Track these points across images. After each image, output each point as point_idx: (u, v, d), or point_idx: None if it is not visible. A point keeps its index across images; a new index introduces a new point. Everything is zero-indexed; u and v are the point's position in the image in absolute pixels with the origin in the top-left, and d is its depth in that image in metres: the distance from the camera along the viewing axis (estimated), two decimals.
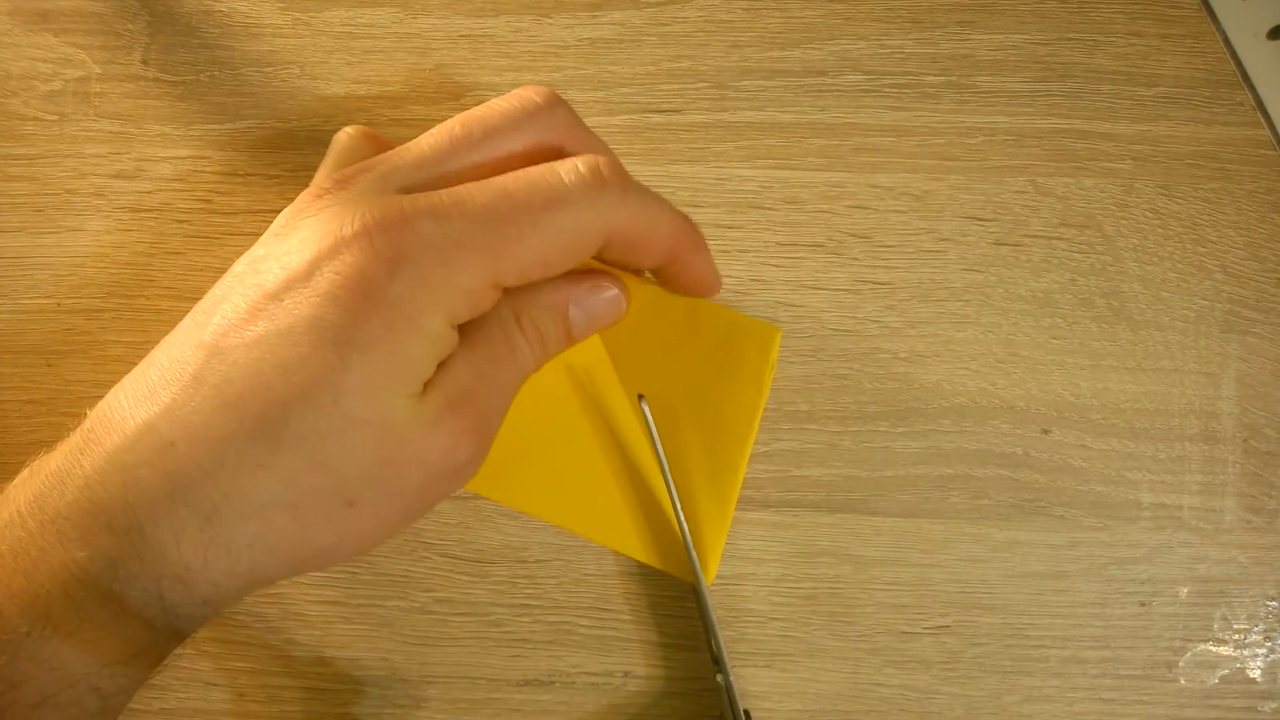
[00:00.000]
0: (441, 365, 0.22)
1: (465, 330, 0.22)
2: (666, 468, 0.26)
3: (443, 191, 0.21)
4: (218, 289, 0.22)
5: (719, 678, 0.25)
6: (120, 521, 0.19)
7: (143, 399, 0.20)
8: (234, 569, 0.20)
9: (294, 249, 0.20)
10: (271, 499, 0.20)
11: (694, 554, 0.26)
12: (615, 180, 0.21)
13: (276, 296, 0.20)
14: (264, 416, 0.19)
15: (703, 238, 0.24)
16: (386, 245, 0.20)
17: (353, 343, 0.19)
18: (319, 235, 0.20)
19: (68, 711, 0.20)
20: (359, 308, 0.19)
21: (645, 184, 0.29)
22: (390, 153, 0.22)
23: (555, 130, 0.23)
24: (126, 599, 0.20)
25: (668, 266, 0.24)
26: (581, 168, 0.21)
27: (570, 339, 0.25)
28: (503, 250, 0.20)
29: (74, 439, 0.21)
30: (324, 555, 0.22)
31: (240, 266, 0.22)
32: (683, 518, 0.26)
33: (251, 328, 0.20)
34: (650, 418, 0.26)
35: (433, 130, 0.22)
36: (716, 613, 0.27)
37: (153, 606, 0.20)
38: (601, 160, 0.21)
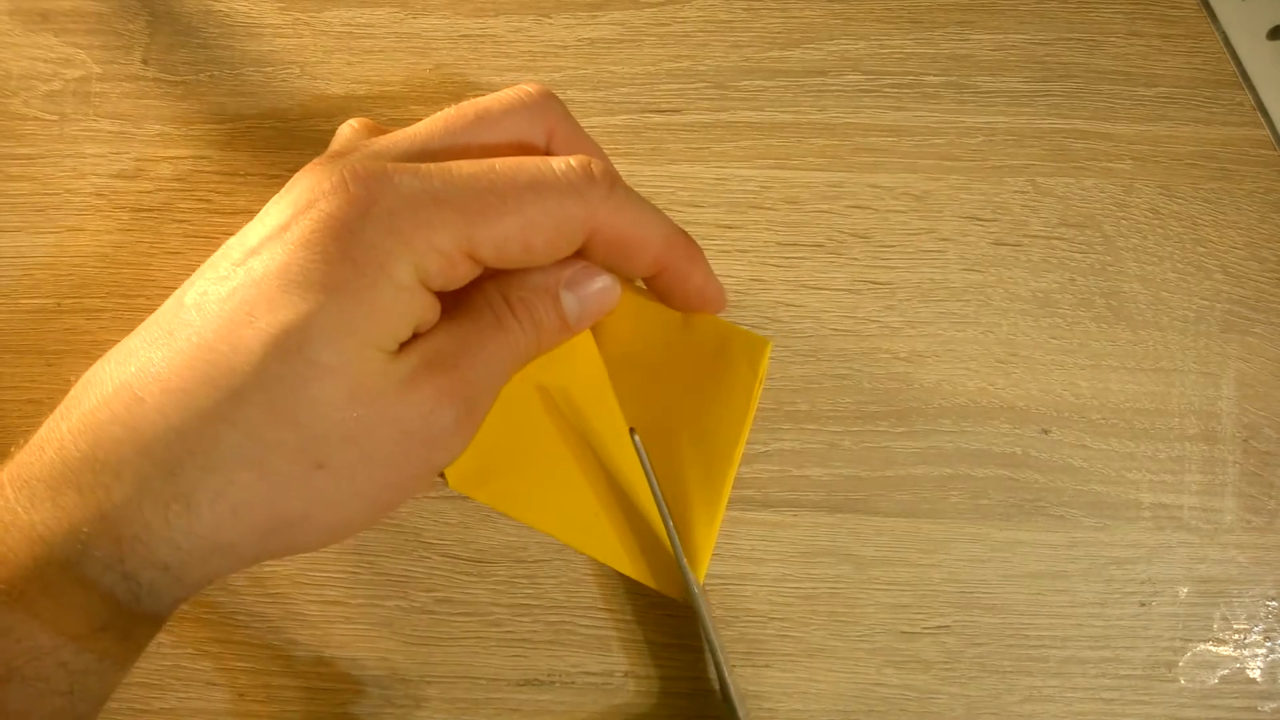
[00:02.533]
0: (422, 335, 0.22)
1: (451, 305, 0.22)
2: (660, 497, 0.26)
3: (430, 163, 0.21)
4: (208, 260, 0.22)
5: (723, 699, 0.25)
6: (87, 479, 0.19)
7: (122, 362, 0.20)
8: (194, 530, 0.20)
9: (277, 210, 0.21)
10: (235, 454, 0.19)
11: (690, 575, 0.25)
12: (604, 179, 0.21)
13: (256, 252, 0.20)
14: (230, 367, 0.19)
15: (700, 251, 0.24)
16: (361, 191, 0.20)
17: (320, 285, 0.19)
18: (302, 193, 0.20)
19: (35, 686, 0.19)
20: (328, 250, 0.19)
21: (647, 184, 0.30)
22: (387, 134, 0.22)
23: (546, 119, 0.23)
24: (86, 563, 0.19)
25: (660, 276, 0.24)
26: (572, 162, 0.21)
27: (566, 326, 0.24)
28: (480, 217, 0.20)
29: (59, 408, 0.21)
30: (296, 527, 0.21)
31: (231, 240, 0.22)
32: (677, 542, 0.25)
33: (229, 282, 0.20)
34: (643, 451, 0.26)
35: (429, 116, 0.23)
36: (715, 625, 0.27)
37: (113, 570, 0.19)
38: (593, 160, 0.22)
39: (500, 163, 0.21)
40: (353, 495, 0.21)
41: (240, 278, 0.20)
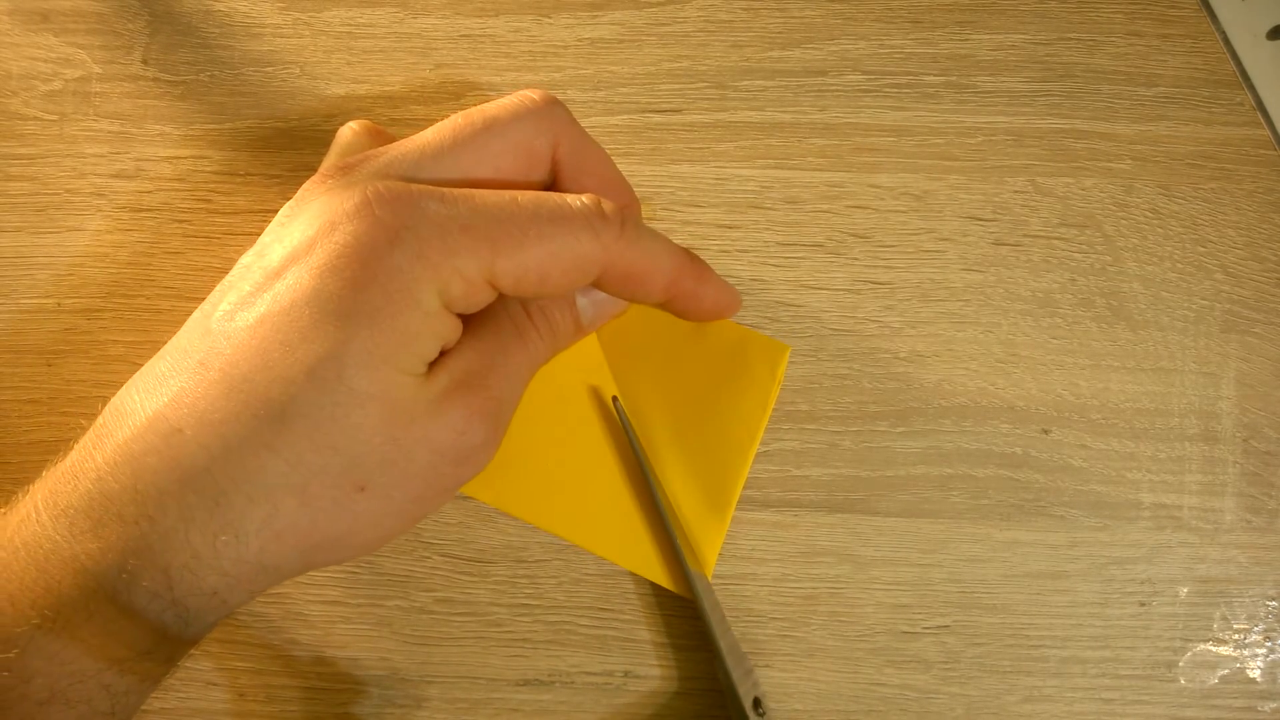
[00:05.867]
0: (449, 353, 0.22)
1: (472, 320, 0.23)
2: (646, 465, 0.26)
3: (453, 188, 0.21)
4: (226, 279, 0.22)
5: (729, 674, 0.25)
6: (130, 511, 0.19)
7: (152, 390, 0.20)
8: (242, 556, 0.20)
9: (297, 229, 0.21)
10: (279, 481, 0.20)
11: (685, 558, 0.26)
12: (615, 216, 0.22)
13: (279, 274, 0.20)
14: (269, 397, 0.19)
15: (708, 269, 0.25)
16: (388, 215, 0.20)
17: (354, 313, 0.19)
18: (322, 213, 0.20)
19: (77, 708, 0.20)
20: (359, 277, 0.19)
21: (647, 184, 0.30)
22: (395, 144, 0.23)
23: (553, 125, 0.23)
24: (134, 593, 0.19)
25: (673, 302, 0.24)
26: (586, 200, 0.22)
27: (579, 329, 0.25)
28: (503, 245, 0.20)
29: (88, 435, 0.21)
30: (336, 545, 0.21)
31: (247, 258, 0.22)
32: (669, 520, 0.26)
33: (255, 308, 0.20)
34: (626, 418, 0.26)
35: (437, 124, 0.23)
36: (717, 613, 0.27)
37: (160, 599, 0.20)
38: (605, 200, 0.22)
39: (522, 195, 0.21)
40: (390, 513, 0.22)
41: (267, 304, 0.20)
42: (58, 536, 0.19)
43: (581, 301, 0.25)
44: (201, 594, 0.20)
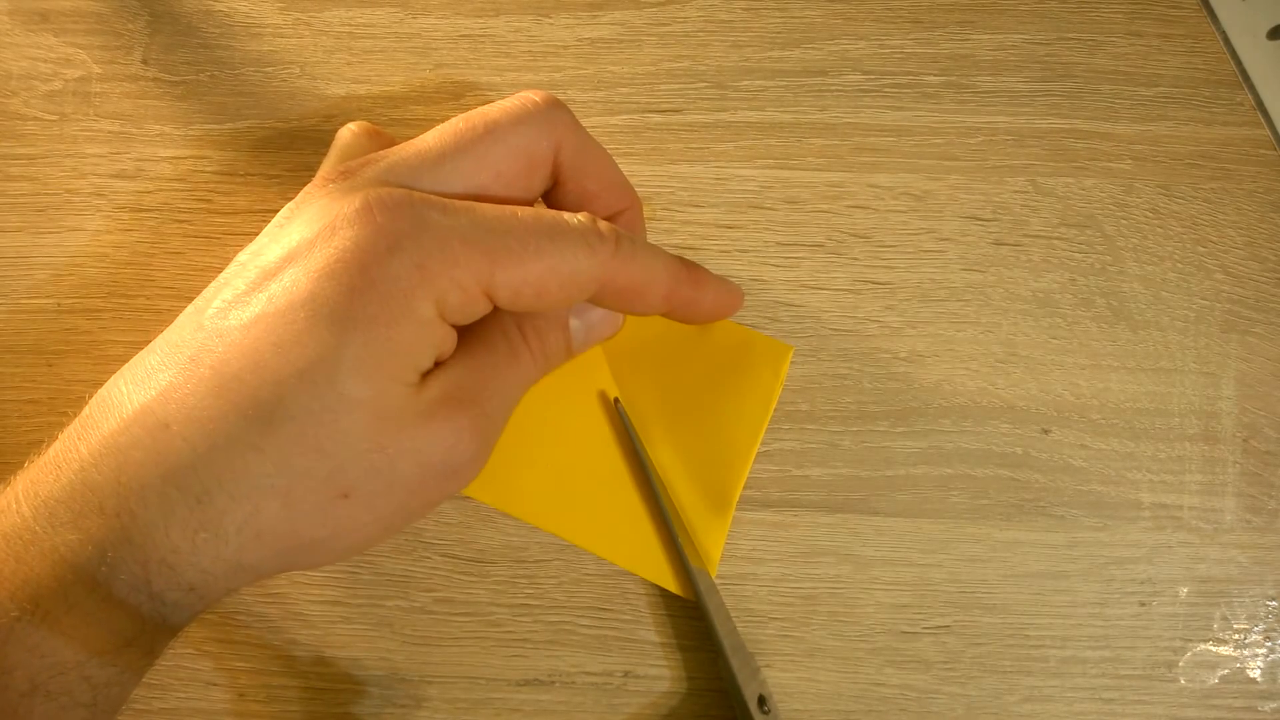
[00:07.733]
0: (442, 366, 0.22)
1: (467, 337, 0.23)
2: (649, 466, 0.26)
3: (453, 200, 0.21)
4: (221, 276, 0.22)
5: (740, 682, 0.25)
6: (111, 504, 0.19)
7: (140, 383, 0.20)
8: (221, 554, 0.20)
9: (296, 231, 0.21)
10: (264, 482, 0.20)
11: (687, 556, 0.26)
12: (612, 234, 0.22)
13: (275, 275, 0.20)
14: (258, 397, 0.19)
15: (705, 274, 0.25)
16: (389, 222, 0.20)
17: (349, 320, 0.19)
18: (321, 216, 0.20)
19: (59, 700, 0.19)
20: (356, 284, 0.19)
21: (647, 184, 0.30)
22: (396, 147, 0.22)
23: (555, 128, 0.23)
24: (114, 584, 0.19)
25: (673, 311, 0.24)
26: (583, 218, 0.22)
27: (570, 350, 0.25)
28: (502, 259, 0.21)
29: (73, 426, 0.21)
30: (315, 549, 0.21)
31: (243, 255, 0.22)
32: (671, 520, 0.26)
33: (249, 308, 0.20)
34: (628, 418, 0.26)
35: (437, 127, 0.23)
36: (721, 612, 0.27)
37: (139, 592, 0.20)
38: (601, 220, 0.22)
39: (521, 211, 0.21)
40: (372, 521, 0.22)
41: (262, 304, 0.20)
42: (37, 527, 0.19)
43: (574, 324, 0.25)
44: (179, 589, 0.20)
